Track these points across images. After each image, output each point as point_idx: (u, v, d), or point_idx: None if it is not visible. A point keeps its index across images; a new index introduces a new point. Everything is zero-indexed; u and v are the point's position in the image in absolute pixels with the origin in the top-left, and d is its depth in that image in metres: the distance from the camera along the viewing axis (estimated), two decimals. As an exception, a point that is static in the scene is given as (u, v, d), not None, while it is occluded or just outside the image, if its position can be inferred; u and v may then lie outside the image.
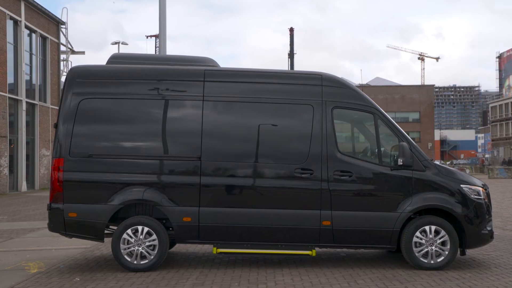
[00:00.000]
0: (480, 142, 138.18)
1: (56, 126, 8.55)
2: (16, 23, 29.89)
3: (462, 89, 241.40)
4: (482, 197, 8.48)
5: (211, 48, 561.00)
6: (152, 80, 8.65)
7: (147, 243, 8.25)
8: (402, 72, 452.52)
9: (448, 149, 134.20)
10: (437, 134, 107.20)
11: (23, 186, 29.78)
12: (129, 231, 8.24)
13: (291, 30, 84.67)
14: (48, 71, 33.88)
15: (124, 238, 8.23)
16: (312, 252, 8.37)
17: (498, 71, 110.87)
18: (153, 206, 8.37)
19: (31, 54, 31.87)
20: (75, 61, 47.78)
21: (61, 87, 27.41)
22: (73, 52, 37.66)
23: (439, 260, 8.30)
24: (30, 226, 13.85)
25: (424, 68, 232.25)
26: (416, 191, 8.35)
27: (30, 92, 31.60)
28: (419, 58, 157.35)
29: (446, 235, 8.28)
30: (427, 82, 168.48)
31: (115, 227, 8.57)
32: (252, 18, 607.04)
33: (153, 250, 8.27)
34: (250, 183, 8.34)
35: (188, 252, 9.95)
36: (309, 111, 8.50)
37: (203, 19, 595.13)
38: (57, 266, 8.77)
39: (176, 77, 8.68)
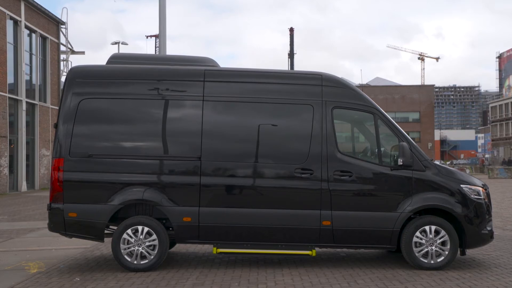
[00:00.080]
0: (480, 142, 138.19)
1: (56, 126, 8.55)
2: (16, 23, 29.89)
3: (462, 89, 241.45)
4: (482, 197, 8.48)
5: (211, 48, 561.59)
6: (152, 80, 8.65)
7: (147, 243, 8.25)
8: (402, 72, 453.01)
9: (448, 149, 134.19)
10: (437, 134, 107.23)
11: (23, 186, 29.78)
12: (129, 231, 8.24)
13: (291, 30, 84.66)
14: (48, 71, 33.89)
15: (124, 238, 8.23)
16: (312, 252, 8.37)
17: (498, 71, 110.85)
18: (153, 206, 8.37)
19: (31, 54, 31.87)
20: (75, 61, 47.84)
21: (61, 87, 27.40)
22: (73, 52, 37.66)
23: (439, 260, 8.30)
24: (30, 226, 13.85)
25: (424, 68, 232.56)
26: (416, 191, 8.34)
27: (30, 92, 31.60)
28: (419, 58, 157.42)
29: (446, 235, 8.28)
30: (427, 82, 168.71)
31: (115, 227, 8.57)
32: (252, 18, 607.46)
33: (153, 250, 8.27)
34: (250, 183, 8.34)
35: (188, 252, 9.95)
36: (309, 111, 8.50)
37: (203, 19, 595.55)
38: (57, 266, 8.77)
39: (176, 77, 8.68)
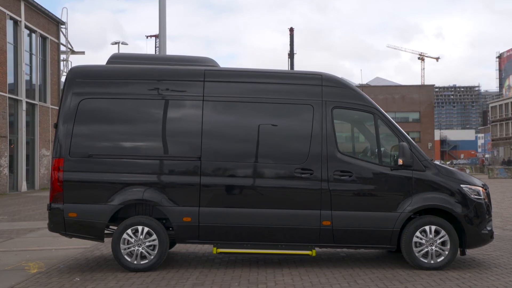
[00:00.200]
0: (480, 142, 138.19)
1: (56, 126, 8.55)
2: (16, 23, 29.89)
3: (462, 89, 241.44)
4: (482, 197, 8.48)
5: (211, 48, 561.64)
6: (152, 80, 8.65)
7: (147, 243, 8.25)
8: (402, 72, 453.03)
9: (448, 149, 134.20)
10: (437, 134, 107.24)
11: (23, 186, 29.78)
12: (129, 231, 8.24)
13: (291, 30, 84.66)
14: (48, 71, 33.89)
15: (124, 238, 8.23)
16: (312, 252, 8.37)
17: (498, 71, 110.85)
18: (153, 206, 8.37)
19: (31, 54, 31.87)
20: (75, 61, 47.87)
21: (61, 87, 27.40)
22: (73, 52, 37.66)
23: (439, 260, 8.30)
24: (30, 226, 13.85)
25: (424, 68, 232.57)
26: (416, 191, 8.34)
27: (30, 92, 31.60)
28: (419, 58, 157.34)
29: (446, 235, 8.28)
30: (427, 82, 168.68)
31: (115, 227, 8.57)
32: (252, 18, 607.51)
33: (153, 250, 8.26)
34: (250, 183, 8.34)
35: (188, 252, 9.95)
36: (309, 111, 8.50)
37: (203, 19, 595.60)
38: (57, 266, 8.77)
39: (176, 77, 8.67)
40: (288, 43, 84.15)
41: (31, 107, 31.75)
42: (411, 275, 8.00)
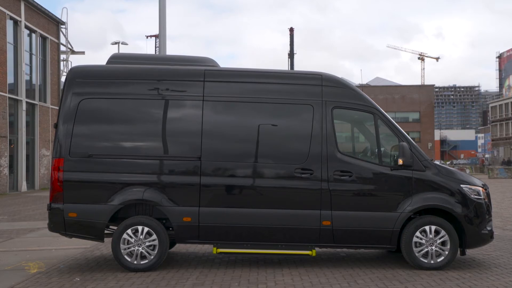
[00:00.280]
0: (480, 142, 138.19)
1: (56, 126, 8.55)
2: (16, 23, 29.89)
3: (462, 89, 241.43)
4: (482, 197, 8.48)
5: (211, 48, 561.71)
6: (152, 80, 8.65)
7: (147, 243, 8.25)
8: (402, 72, 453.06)
9: (448, 149, 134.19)
10: (437, 134, 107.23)
11: (23, 186, 29.78)
12: (129, 231, 8.24)
13: (291, 30, 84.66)
14: (48, 71, 33.89)
15: (124, 238, 8.23)
16: (312, 252, 8.37)
17: (498, 71, 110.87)
18: (153, 206, 8.37)
19: (31, 54, 31.87)
20: (75, 61, 47.85)
21: (61, 87, 27.41)
22: (73, 52, 37.67)
23: (439, 260, 8.30)
24: (30, 226, 13.85)
25: (424, 68, 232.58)
26: (416, 191, 8.34)
27: (30, 92, 31.60)
28: (419, 58, 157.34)
29: (446, 235, 8.28)
30: (427, 82, 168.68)
31: (115, 227, 8.57)
32: (252, 18, 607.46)
33: (153, 250, 8.26)
34: (250, 183, 8.34)
35: (188, 252, 9.95)
36: (309, 111, 8.50)
37: (203, 19, 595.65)
38: (57, 266, 8.77)
39: (176, 77, 8.67)
40: (288, 43, 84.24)
41: (31, 107, 31.75)
42: (411, 275, 8.00)
